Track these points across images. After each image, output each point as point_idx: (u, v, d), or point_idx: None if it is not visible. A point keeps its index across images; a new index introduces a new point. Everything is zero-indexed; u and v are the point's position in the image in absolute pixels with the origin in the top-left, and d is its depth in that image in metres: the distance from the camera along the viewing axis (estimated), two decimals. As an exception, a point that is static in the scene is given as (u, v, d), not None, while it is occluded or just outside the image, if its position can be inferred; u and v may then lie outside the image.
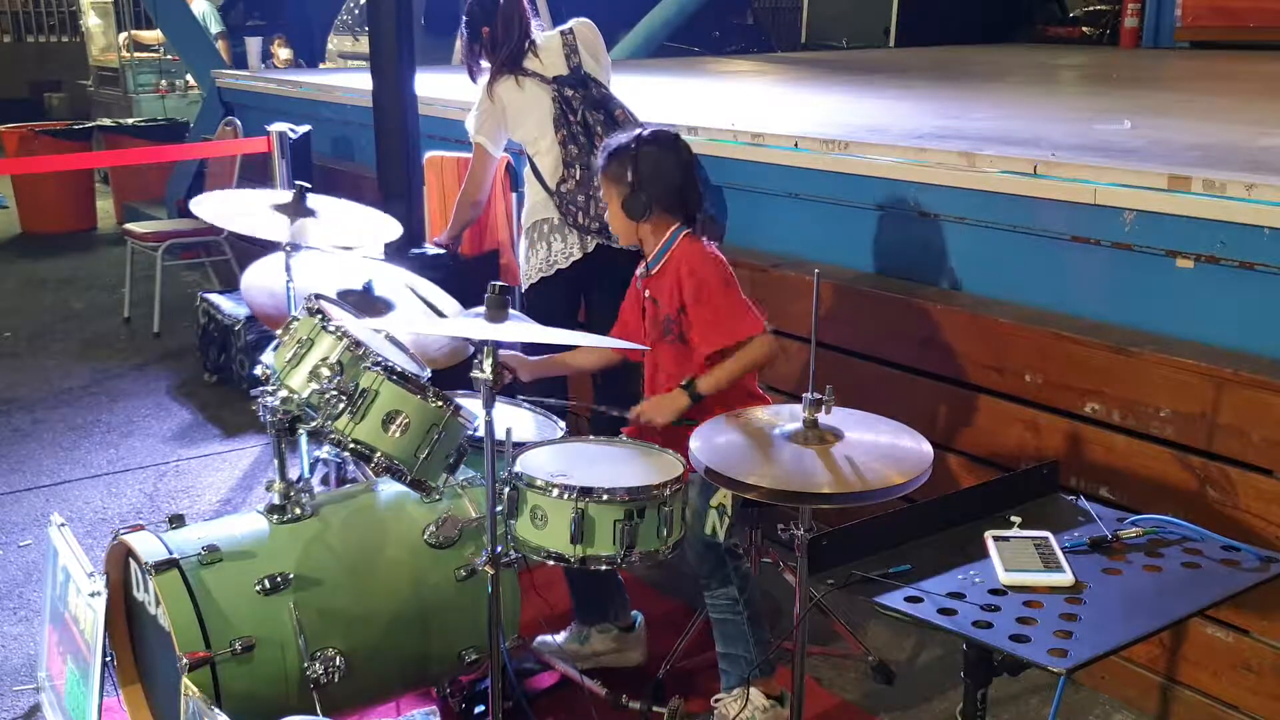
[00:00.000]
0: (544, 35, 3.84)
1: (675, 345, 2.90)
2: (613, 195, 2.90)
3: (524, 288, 3.88)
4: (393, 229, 3.36)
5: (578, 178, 3.67)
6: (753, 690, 2.81)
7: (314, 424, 2.50)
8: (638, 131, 2.92)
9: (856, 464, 2.11)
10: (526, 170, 3.85)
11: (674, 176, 2.87)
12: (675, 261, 2.87)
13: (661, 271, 2.90)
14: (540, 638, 3.12)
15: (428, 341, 3.21)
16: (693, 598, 3.20)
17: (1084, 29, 11.40)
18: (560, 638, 3.13)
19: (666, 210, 2.87)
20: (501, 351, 3.00)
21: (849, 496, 2.05)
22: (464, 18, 3.88)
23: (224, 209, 3.37)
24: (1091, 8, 11.59)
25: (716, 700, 2.86)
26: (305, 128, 5.62)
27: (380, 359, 2.48)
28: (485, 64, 3.88)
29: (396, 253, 3.83)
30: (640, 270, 2.99)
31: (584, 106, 3.73)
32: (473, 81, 3.95)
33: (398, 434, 2.46)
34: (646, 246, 2.95)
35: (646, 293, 2.96)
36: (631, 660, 3.14)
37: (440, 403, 2.49)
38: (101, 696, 2.56)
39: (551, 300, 3.76)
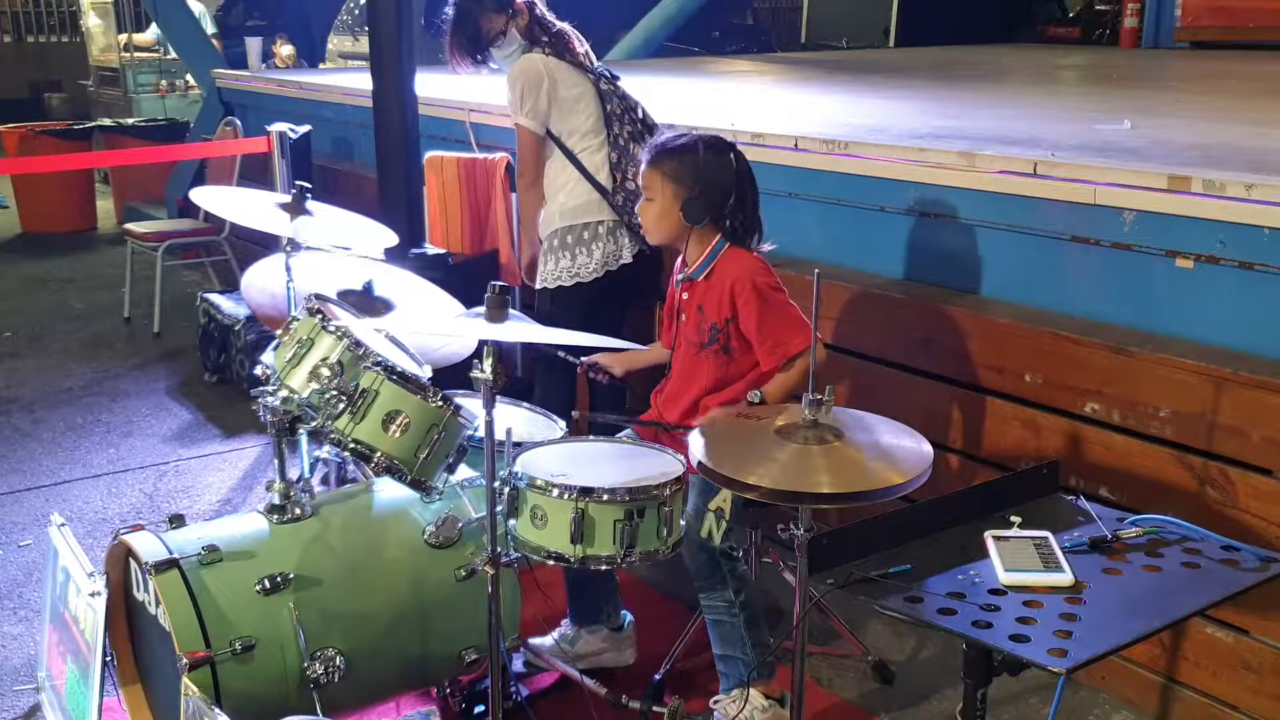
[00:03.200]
0: (567, 26, 3.82)
1: (718, 356, 2.88)
2: (667, 194, 2.85)
3: (555, 285, 3.77)
4: (390, 238, 3.35)
5: (640, 184, 3.64)
6: (752, 691, 2.80)
7: (314, 424, 2.50)
8: (695, 134, 2.89)
9: (856, 464, 2.11)
10: (565, 168, 3.73)
11: (730, 184, 2.85)
12: (725, 272, 2.84)
13: (709, 280, 2.87)
14: (531, 640, 3.11)
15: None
16: (693, 598, 3.19)
17: (1084, 29, 11.39)
18: (550, 639, 3.13)
19: (716, 218, 2.85)
20: (592, 357, 3.01)
21: (849, 496, 2.04)
22: (468, 2, 3.74)
23: (224, 201, 3.38)
24: (1091, 8, 11.59)
25: (715, 702, 2.86)
26: (305, 128, 5.62)
27: (380, 359, 2.48)
28: (493, 51, 3.79)
29: (397, 253, 3.83)
30: (678, 276, 2.96)
31: (632, 104, 3.74)
32: (472, 69, 3.82)
33: (398, 434, 2.46)
34: (689, 253, 2.92)
35: (685, 296, 2.94)
36: (622, 660, 3.14)
37: (440, 403, 2.49)
38: (101, 696, 2.56)
39: (593, 303, 3.73)
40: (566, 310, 3.75)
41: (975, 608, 1.86)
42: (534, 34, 3.76)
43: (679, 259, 3.03)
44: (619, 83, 3.81)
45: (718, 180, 2.83)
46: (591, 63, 3.81)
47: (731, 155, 2.87)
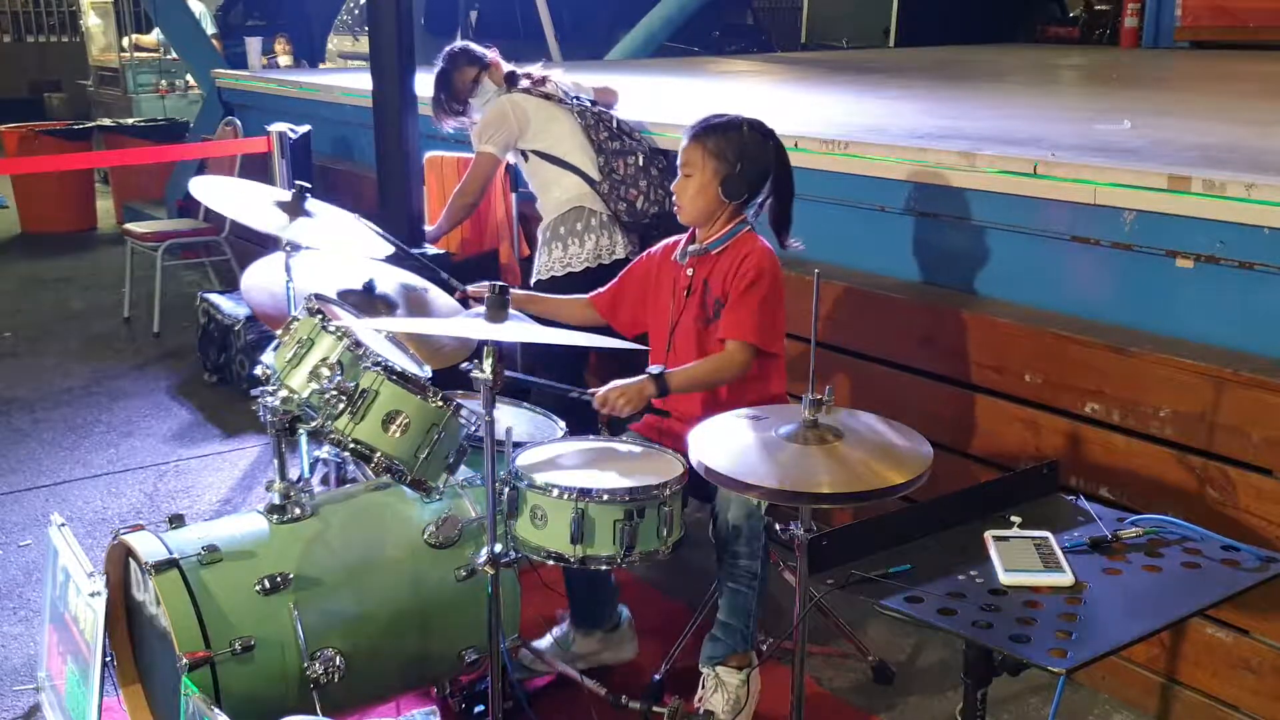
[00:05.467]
0: (542, 73, 4.11)
1: (712, 330, 2.92)
2: (707, 170, 2.87)
3: (549, 276, 3.92)
4: (386, 248, 3.35)
5: (626, 172, 3.85)
6: (723, 669, 2.81)
7: (314, 424, 2.50)
8: (740, 115, 2.93)
9: (856, 464, 2.11)
10: (549, 170, 3.93)
11: (768, 169, 2.90)
12: (740, 251, 2.89)
13: (721, 254, 2.91)
14: (530, 641, 3.10)
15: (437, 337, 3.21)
16: (693, 598, 3.20)
17: (1084, 29, 11.39)
18: (548, 639, 3.12)
19: (751, 200, 2.91)
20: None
21: (849, 496, 2.05)
22: (444, 64, 4.07)
23: (222, 194, 3.36)
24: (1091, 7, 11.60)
25: (709, 663, 2.84)
26: (305, 128, 5.61)
27: (380, 359, 2.48)
28: (468, 107, 4.12)
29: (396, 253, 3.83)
30: (689, 248, 2.98)
31: (606, 117, 3.99)
32: (445, 131, 4.24)
33: (398, 434, 2.46)
34: (708, 228, 2.94)
35: (690, 272, 2.95)
36: (622, 656, 3.13)
37: (440, 402, 2.49)
38: (101, 696, 2.55)
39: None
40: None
41: (975, 608, 1.86)
42: (512, 79, 4.04)
43: (674, 241, 3.04)
44: (592, 105, 4.08)
45: (758, 161, 2.88)
46: (568, 95, 4.07)
47: (772, 143, 2.93)
